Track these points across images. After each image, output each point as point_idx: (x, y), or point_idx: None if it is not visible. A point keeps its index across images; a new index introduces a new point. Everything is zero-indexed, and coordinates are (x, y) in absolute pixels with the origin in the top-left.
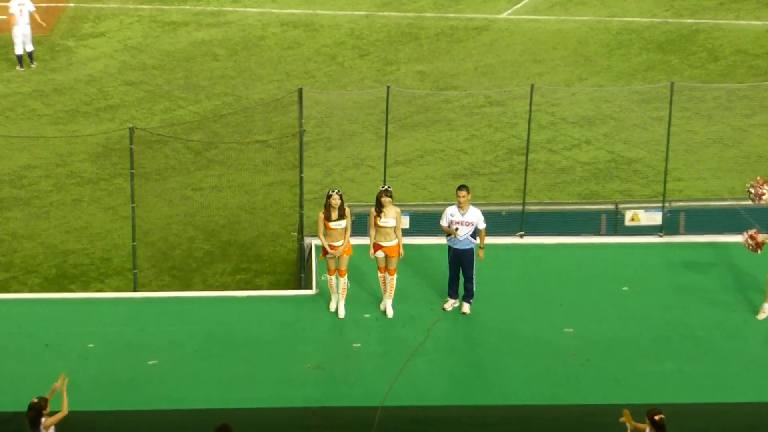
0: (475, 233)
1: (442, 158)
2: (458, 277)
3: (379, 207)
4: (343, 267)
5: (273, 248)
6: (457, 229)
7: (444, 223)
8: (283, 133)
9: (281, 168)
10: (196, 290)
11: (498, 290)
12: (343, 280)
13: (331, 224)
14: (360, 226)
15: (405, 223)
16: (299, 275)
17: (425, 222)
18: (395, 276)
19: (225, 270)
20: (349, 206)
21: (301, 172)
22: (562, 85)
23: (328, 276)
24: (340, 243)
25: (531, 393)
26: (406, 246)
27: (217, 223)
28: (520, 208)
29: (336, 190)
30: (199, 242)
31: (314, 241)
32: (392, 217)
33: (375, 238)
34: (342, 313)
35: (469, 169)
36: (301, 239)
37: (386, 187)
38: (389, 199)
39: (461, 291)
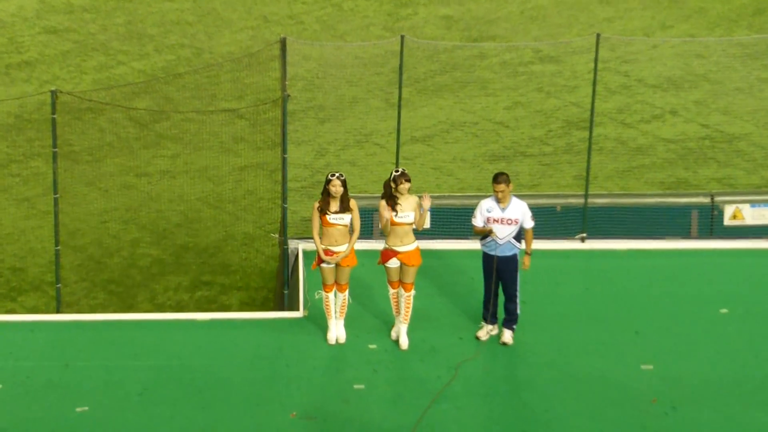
0: (520, 235)
1: (475, 134)
2: (497, 295)
3: (393, 197)
4: (344, 281)
5: (246, 255)
6: (491, 230)
7: (478, 221)
8: (260, 99)
9: (257, 147)
10: (141, 312)
11: (551, 313)
12: (343, 296)
13: (330, 219)
14: (363, 227)
15: (426, 219)
16: (281, 291)
17: (452, 220)
18: (412, 293)
19: (180, 284)
20: (354, 197)
21: (284, 152)
22: (638, 34)
23: (324, 293)
24: (341, 248)
25: None
26: (426, 253)
27: (170, 221)
28: (581, 201)
29: (337, 174)
30: (145, 247)
31: (303, 245)
32: (410, 210)
33: (387, 241)
34: (342, 337)
35: (511, 148)
36: (284, 243)
37: (401, 170)
38: (407, 185)
39: (501, 314)
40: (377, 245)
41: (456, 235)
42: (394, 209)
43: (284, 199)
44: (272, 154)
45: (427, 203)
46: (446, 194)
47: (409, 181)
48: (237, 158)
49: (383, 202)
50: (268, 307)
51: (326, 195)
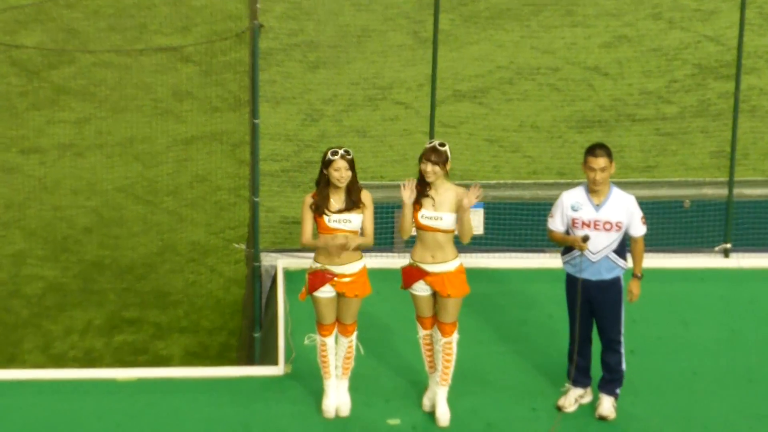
0: (624, 247)
1: (554, 86)
2: (590, 341)
3: (423, 187)
4: (351, 318)
5: (194, 277)
6: (586, 237)
7: (557, 224)
8: (216, 31)
9: (211, 107)
10: (29, 367)
11: (676, 369)
12: (348, 341)
13: (331, 222)
14: (380, 233)
15: (477, 222)
16: (250, 335)
17: (517, 222)
18: (455, 337)
19: (91, 324)
20: (367, 186)
21: (254, 115)
22: None
23: (319, 337)
24: (347, 268)
25: None
26: (475, 274)
27: (75, 223)
28: (723, 192)
29: (341, 150)
30: (34, 264)
31: (284, 262)
32: (448, 209)
33: (412, 254)
34: (346, 407)
35: (612, 109)
36: (255, 258)
37: (436, 142)
38: (436, 168)
39: (596, 371)
40: (402, 261)
41: (524, 245)
42: (419, 203)
43: (254, 190)
44: (236, 118)
45: (471, 199)
46: (508, 181)
47: (441, 161)
48: (180, 125)
49: (409, 183)
50: (228, 359)
51: (324, 185)
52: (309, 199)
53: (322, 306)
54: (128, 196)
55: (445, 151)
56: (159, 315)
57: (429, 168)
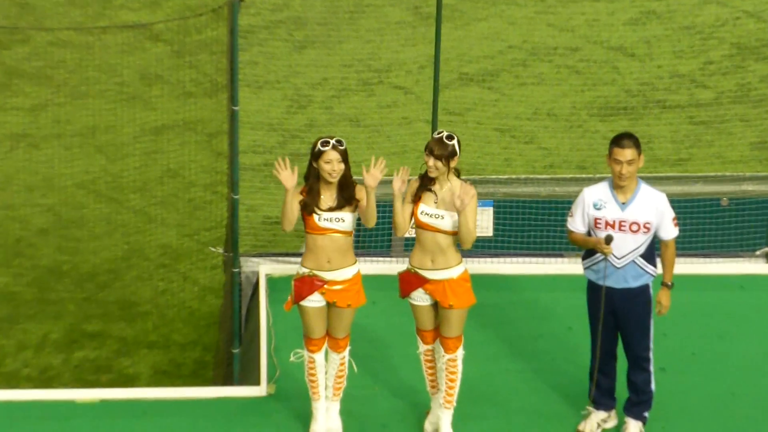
0: (652, 251)
1: (574, 68)
2: (614, 358)
3: (425, 182)
4: (343, 332)
5: (165, 285)
6: (609, 238)
7: (577, 224)
8: (189, 6)
9: (184, 92)
10: None
11: (713, 392)
12: (340, 357)
13: (321, 221)
14: (378, 234)
15: (486, 222)
16: (228, 351)
17: (531, 223)
18: (459, 354)
19: (47, 338)
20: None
21: (233, 101)
22: None
23: (306, 353)
24: (339, 274)
25: None
26: (482, 281)
27: (29, 224)
28: (764, 189)
29: (333, 140)
30: None
31: (268, 267)
32: (449, 208)
33: (411, 259)
34: None
35: (639, 94)
36: (234, 263)
37: (444, 133)
38: (438, 164)
39: (621, 392)
40: (401, 267)
41: (539, 248)
42: (419, 197)
43: (233, 187)
44: (212, 105)
45: (462, 198)
46: (522, 176)
47: (445, 155)
48: (149, 113)
49: (402, 172)
50: (203, 377)
51: (314, 179)
52: (290, 195)
53: (311, 317)
54: (90, 193)
55: (452, 146)
56: (125, 328)
57: (431, 162)
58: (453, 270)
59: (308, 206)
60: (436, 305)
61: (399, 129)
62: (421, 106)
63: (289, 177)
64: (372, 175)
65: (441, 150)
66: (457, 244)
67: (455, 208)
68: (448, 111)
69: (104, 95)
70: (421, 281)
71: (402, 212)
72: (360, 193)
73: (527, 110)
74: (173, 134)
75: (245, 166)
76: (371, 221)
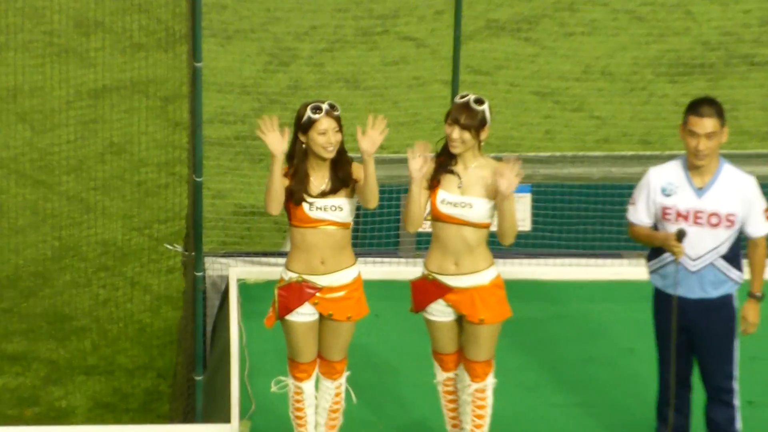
0: (737, 251)
1: (633, 14)
2: (688, 386)
3: (446, 159)
4: (340, 353)
5: (107, 293)
6: (681, 233)
7: (641, 215)
8: None
9: (132, 44)
10: None
11: None
12: (335, 386)
13: (312, 211)
14: (381, 225)
15: (522, 213)
16: (188, 377)
17: (578, 213)
18: (489, 382)
19: None
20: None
21: (195, 56)
22: None
23: (293, 382)
24: (334, 278)
25: None
26: (516, 287)
27: None
28: None
29: (326, 105)
30: None
31: (237, 270)
32: (482, 195)
33: (427, 263)
34: None
35: (719, 47)
36: (196, 265)
37: (470, 96)
38: (474, 139)
39: (697, 428)
40: (412, 270)
41: (589, 246)
42: (438, 181)
43: (196, 167)
44: (168, 60)
45: (511, 179)
46: (568, 154)
47: (474, 125)
48: (87, 70)
49: (420, 146)
50: (157, 412)
51: (301, 159)
52: (276, 173)
53: (299, 336)
54: (10, 174)
55: (482, 112)
56: (55, 349)
57: (456, 134)
58: (483, 274)
59: (296, 194)
60: (459, 321)
61: (409, 92)
62: (438, 62)
63: (278, 140)
64: (369, 138)
65: (469, 118)
66: (488, 238)
67: (489, 193)
68: (472, 69)
69: (28, 48)
70: (442, 290)
71: (419, 200)
72: (358, 171)
73: (575, 68)
74: (118, 98)
75: (211, 140)
76: (372, 200)
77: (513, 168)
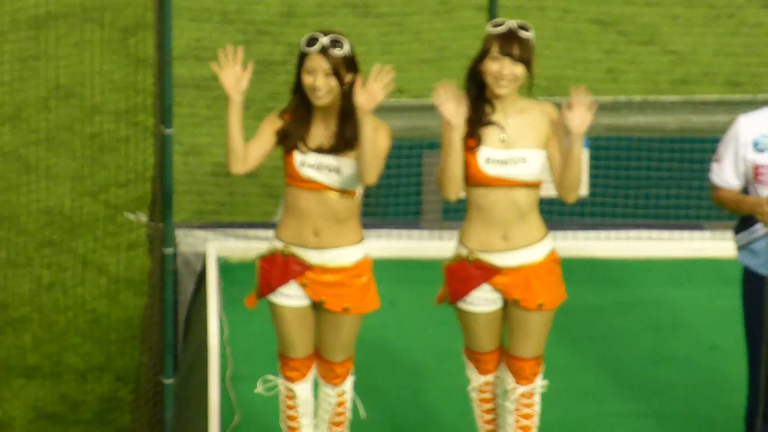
0: None
1: None
2: None
3: (481, 106)
4: (341, 352)
5: (53, 275)
6: None
7: (727, 176)
8: None
9: None
10: None
11: None
12: (336, 393)
13: (304, 164)
14: (395, 192)
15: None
16: (154, 379)
17: (649, 174)
18: (537, 385)
19: None
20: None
21: None
22: None
23: (283, 381)
24: (332, 258)
25: None
26: (572, 266)
27: None
28: None
29: (326, 36)
30: None
31: (217, 245)
32: (533, 145)
33: (462, 234)
34: None
35: None
36: (165, 238)
37: (513, 22)
38: (525, 74)
39: None
40: (435, 246)
41: (662, 216)
42: (474, 136)
43: (164, 116)
44: None
45: (581, 116)
46: (636, 98)
47: (526, 58)
48: None
49: (446, 88)
50: (116, 424)
51: (302, 99)
52: (274, 116)
53: (287, 324)
54: None
55: (532, 40)
56: None
57: (507, 70)
58: (538, 247)
59: (289, 137)
60: (503, 313)
61: (434, 21)
62: None
63: (234, 78)
64: (368, 92)
65: (521, 49)
66: (542, 199)
67: (541, 141)
68: None
69: None
70: (488, 272)
71: (460, 156)
72: (374, 130)
73: None
74: (65, 28)
75: (183, 82)
76: (369, 172)
77: (584, 100)
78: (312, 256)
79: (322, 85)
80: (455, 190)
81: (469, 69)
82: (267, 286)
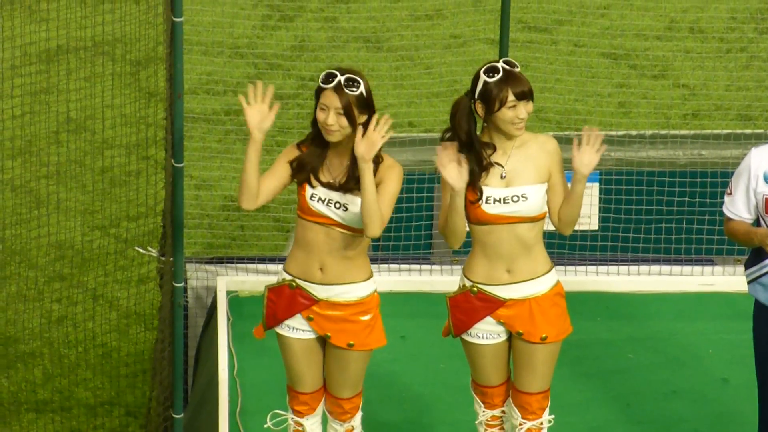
0: None
1: None
2: None
3: (479, 149)
4: (349, 388)
5: (64, 309)
6: None
7: (739, 208)
8: None
9: None
10: None
11: None
12: (345, 429)
13: (314, 197)
14: (406, 227)
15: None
16: (163, 413)
17: (658, 208)
18: (547, 419)
19: None
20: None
21: (174, 9)
22: None
23: (292, 417)
24: (337, 294)
25: None
26: (576, 300)
27: None
28: None
29: (343, 75)
30: None
31: (227, 280)
32: (534, 180)
33: (466, 268)
34: None
35: None
36: (175, 273)
37: (500, 64)
38: (530, 106)
39: None
40: (445, 280)
41: (673, 251)
42: (472, 184)
43: (175, 150)
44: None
45: (589, 155)
46: (646, 132)
47: (531, 97)
48: (38, 26)
49: (446, 151)
50: None
51: (317, 135)
52: (291, 148)
53: (295, 357)
54: None
55: (525, 78)
56: None
57: (524, 113)
58: (543, 280)
59: (303, 168)
60: (508, 345)
61: (445, 54)
62: (482, 16)
63: (260, 115)
64: (368, 141)
65: (527, 85)
66: (545, 232)
67: (541, 175)
68: (525, 25)
69: None
70: (492, 305)
71: (463, 214)
72: (387, 171)
73: (656, 23)
74: (76, 62)
75: (195, 115)
76: (371, 224)
77: (594, 140)
78: (318, 291)
79: (332, 123)
80: (459, 242)
81: (459, 119)
82: (273, 318)
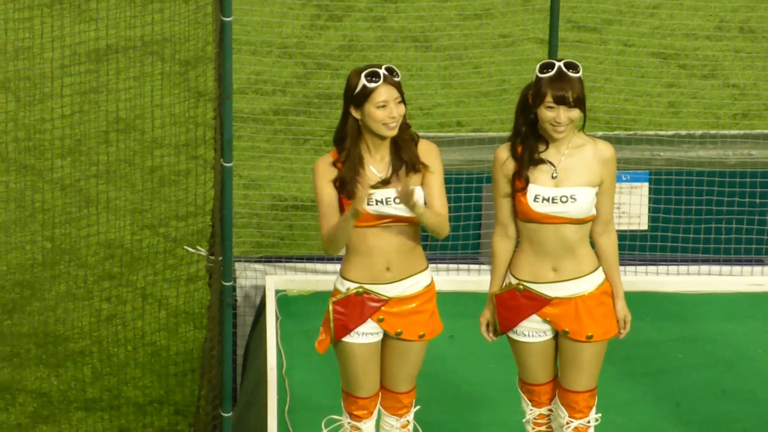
0: None
1: None
2: None
3: (534, 145)
4: (409, 381)
5: (111, 308)
6: None
7: None
8: None
9: None
10: None
11: None
12: (401, 424)
13: (372, 202)
14: (454, 226)
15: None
16: (212, 412)
17: (709, 209)
18: (594, 417)
19: None
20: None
21: (223, 9)
22: None
23: (348, 421)
24: (409, 287)
25: None
26: (635, 300)
27: None
28: None
29: (383, 68)
30: None
31: (276, 279)
32: (585, 182)
33: (514, 270)
34: None
35: None
36: (224, 272)
37: (555, 64)
38: (578, 112)
39: None
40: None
41: (723, 251)
42: (522, 177)
43: (224, 149)
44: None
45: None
46: (696, 132)
47: (582, 100)
48: (87, 25)
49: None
50: None
51: (353, 142)
52: (326, 167)
53: (360, 363)
54: None
55: (581, 78)
56: (46, 378)
57: (563, 117)
58: (589, 279)
59: (349, 184)
60: (556, 343)
61: (493, 53)
62: (531, 15)
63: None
64: (405, 192)
65: (575, 92)
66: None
67: (592, 179)
68: (575, 24)
69: None
70: (538, 303)
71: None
72: (426, 152)
73: (706, 22)
74: (125, 61)
75: (243, 115)
76: (442, 232)
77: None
78: (388, 290)
79: (397, 114)
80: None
81: (518, 106)
82: (344, 328)
